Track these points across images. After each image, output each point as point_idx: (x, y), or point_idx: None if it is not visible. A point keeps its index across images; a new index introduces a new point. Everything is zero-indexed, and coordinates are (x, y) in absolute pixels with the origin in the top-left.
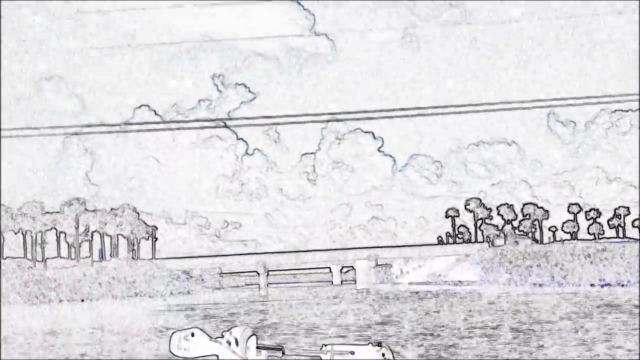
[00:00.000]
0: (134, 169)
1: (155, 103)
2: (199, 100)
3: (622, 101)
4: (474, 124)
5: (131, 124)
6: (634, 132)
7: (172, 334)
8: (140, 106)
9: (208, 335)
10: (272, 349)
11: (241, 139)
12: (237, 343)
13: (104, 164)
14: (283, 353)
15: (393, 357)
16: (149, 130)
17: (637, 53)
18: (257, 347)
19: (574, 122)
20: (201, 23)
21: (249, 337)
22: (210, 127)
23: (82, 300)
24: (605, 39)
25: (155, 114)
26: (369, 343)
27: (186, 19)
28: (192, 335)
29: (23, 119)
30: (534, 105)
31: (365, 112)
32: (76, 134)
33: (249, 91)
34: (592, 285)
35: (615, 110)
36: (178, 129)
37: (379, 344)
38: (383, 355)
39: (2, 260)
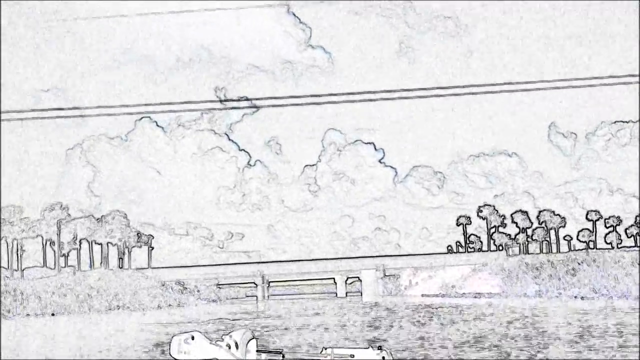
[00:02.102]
0: (135, 180)
1: (157, 115)
2: (202, 113)
3: (624, 83)
4: (473, 135)
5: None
6: (634, 143)
7: (172, 337)
8: (142, 118)
9: (208, 338)
10: (272, 352)
11: (243, 150)
12: (237, 346)
13: (106, 175)
14: (283, 356)
15: None
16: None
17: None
18: (257, 351)
19: (575, 134)
20: (197, 36)
21: (249, 341)
22: (246, 107)
23: (53, 315)
24: (605, 60)
25: (157, 125)
26: (370, 346)
27: (182, 32)
28: (192, 338)
29: (24, 131)
30: (533, 87)
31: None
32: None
33: (251, 104)
34: None
35: (615, 122)
36: (219, 108)
37: (379, 347)
38: (383, 358)
39: None
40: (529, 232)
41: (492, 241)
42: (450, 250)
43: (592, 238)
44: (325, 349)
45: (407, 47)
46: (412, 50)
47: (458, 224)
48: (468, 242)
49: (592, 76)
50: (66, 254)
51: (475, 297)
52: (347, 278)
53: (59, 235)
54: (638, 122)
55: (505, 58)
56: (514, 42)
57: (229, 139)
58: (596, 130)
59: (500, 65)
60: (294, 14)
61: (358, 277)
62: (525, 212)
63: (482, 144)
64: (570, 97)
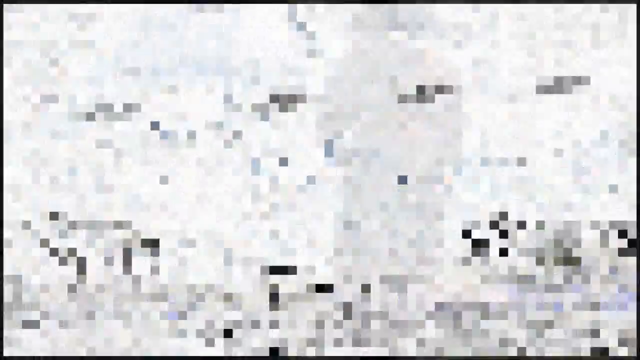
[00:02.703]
0: (140, 186)
1: (163, 122)
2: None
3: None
4: (479, 142)
5: None
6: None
7: None
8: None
9: None
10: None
11: (250, 156)
12: None
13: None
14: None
15: None
16: None
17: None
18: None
19: (580, 141)
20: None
21: None
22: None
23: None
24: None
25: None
26: None
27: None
28: None
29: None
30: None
31: None
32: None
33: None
34: None
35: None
36: None
37: None
38: None
39: None
40: (539, 240)
41: (500, 250)
42: (456, 259)
43: (606, 246)
44: None
45: None
46: None
47: (465, 233)
48: (476, 250)
49: (597, 80)
50: (67, 258)
51: (483, 306)
52: None
53: (60, 238)
54: (636, 127)
55: (509, 63)
56: (519, 47)
57: (236, 145)
58: (602, 137)
59: (505, 71)
60: (297, 20)
61: None
62: (535, 221)
63: (488, 151)
64: (576, 102)
